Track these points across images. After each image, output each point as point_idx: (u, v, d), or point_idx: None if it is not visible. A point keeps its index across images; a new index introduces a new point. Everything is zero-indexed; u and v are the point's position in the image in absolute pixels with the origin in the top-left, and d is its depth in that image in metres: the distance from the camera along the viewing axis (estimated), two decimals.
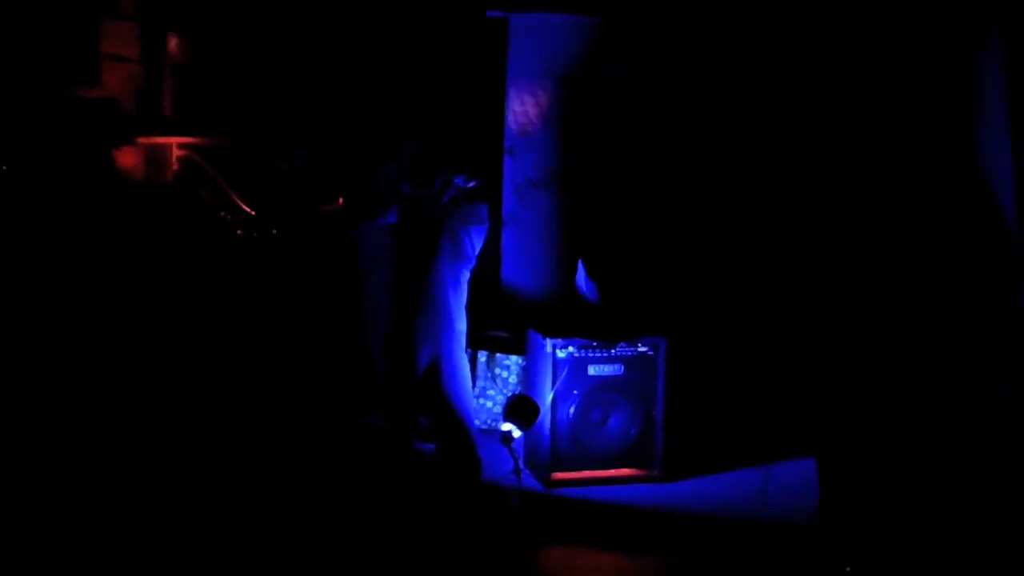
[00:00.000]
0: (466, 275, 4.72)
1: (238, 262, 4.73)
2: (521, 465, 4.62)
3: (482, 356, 5.34)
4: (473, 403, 4.88)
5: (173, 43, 5.12)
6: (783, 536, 4.23)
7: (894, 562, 3.77)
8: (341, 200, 4.70)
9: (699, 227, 5.50)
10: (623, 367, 4.75)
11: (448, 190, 4.65)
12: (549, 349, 4.68)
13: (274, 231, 4.68)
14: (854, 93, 5.36)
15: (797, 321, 5.33)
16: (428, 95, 5.00)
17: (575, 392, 4.71)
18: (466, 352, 4.85)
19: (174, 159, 4.88)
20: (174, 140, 4.88)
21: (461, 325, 4.68)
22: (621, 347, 4.75)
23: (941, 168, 5.16)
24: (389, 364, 4.81)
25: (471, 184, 4.68)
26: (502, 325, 5.40)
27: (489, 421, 5.29)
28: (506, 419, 4.53)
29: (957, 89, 5.23)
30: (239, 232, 4.66)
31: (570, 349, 4.71)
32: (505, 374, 5.30)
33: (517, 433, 4.52)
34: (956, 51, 5.17)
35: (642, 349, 4.76)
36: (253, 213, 4.68)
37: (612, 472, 4.77)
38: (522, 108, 5.57)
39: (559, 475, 4.71)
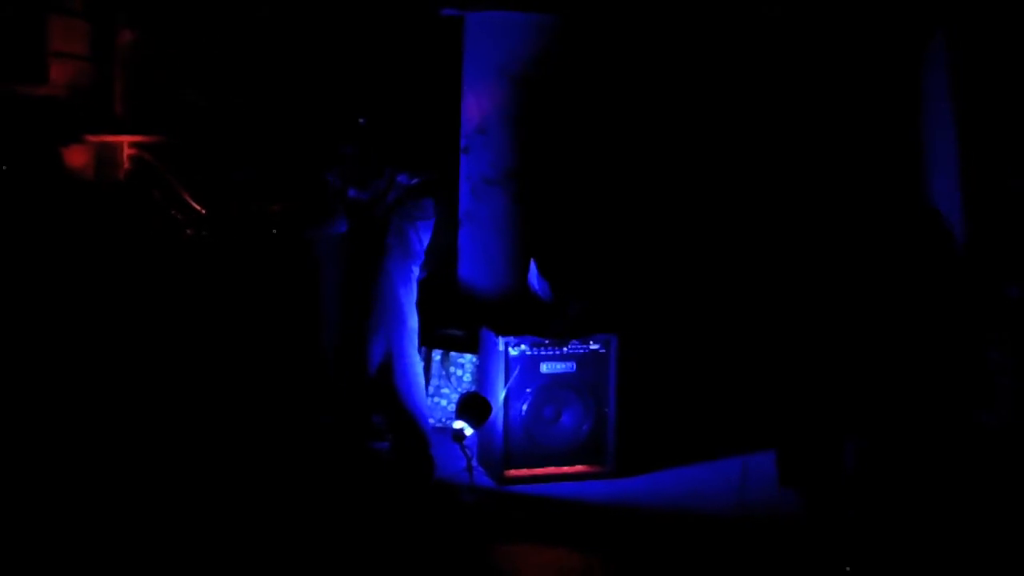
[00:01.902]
0: (415, 271, 4.73)
1: (187, 261, 4.70)
2: (474, 463, 4.64)
3: (436, 355, 5.34)
4: (426, 401, 4.89)
5: (124, 40, 5.07)
6: (733, 531, 4.28)
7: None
8: (278, 207, 4.69)
9: (652, 224, 5.53)
10: (575, 364, 4.77)
11: (392, 189, 4.65)
12: (502, 347, 4.70)
13: (223, 231, 4.66)
14: (803, 93, 5.40)
15: (746, 317, 5.37)
16: (376, 95, 4.98)
17: (528, 390, 4.73)
18: (420, 350, 4.86)
19: (125, 158, 4.84)
20: (125, 139, 4.84)
21: (412, 322, 4.68)
22: (573, 345, 4.78)
23: (886, 167, 5.21)
24: (341, 363, 4.81)
25: (415, 181, 4.68)
26: (457, 323, 5.41)
27: (444, 419, 5.29)
28: (458, 417, 4.54)
29: (903, 89, 5.29)
30: (188, 231, 4.63)
31: (522, 347, 4.72)
32: (459, 372, 5.31)
33: (469, 431, 4.53)
34: (902, 52, 5.23)
35: (594, 347, 4.79)
36: (204, 212, 4.65)
37: (565, 469, 4.79)
38: (478, 106, 5.58)
39: (512, 472, 4.73)
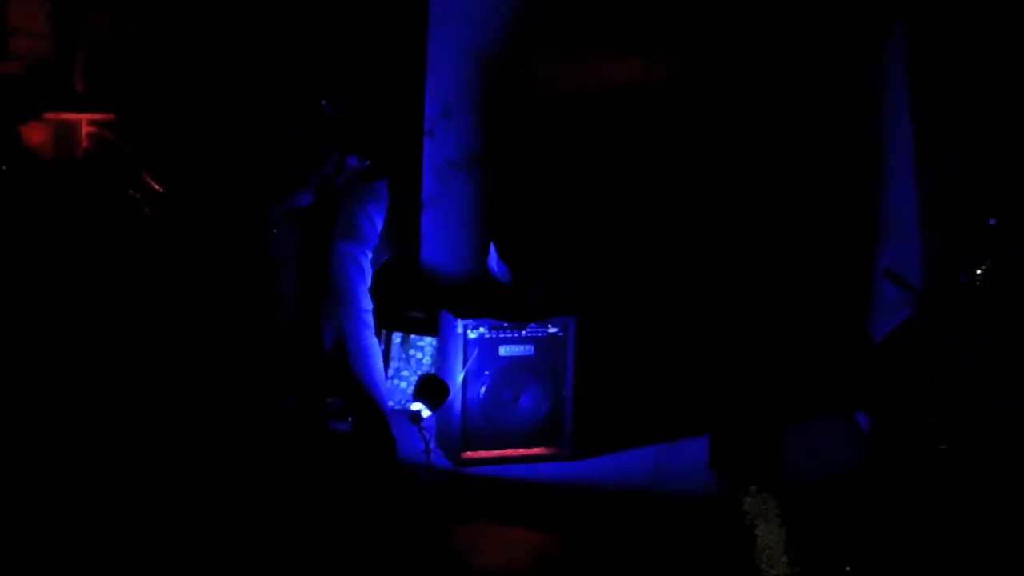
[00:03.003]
0: (367, 254, 4.70)
1: (145, 239, 4.68)
2: (432, 445, 4.66)
3: (396, 337, 5.35)
4: (384, 382, 4.88)
5: (86, 17, 5.04)
6: (683, 511, 4.32)
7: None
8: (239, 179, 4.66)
9: (613, 210, 5.54)
10: (533, 347, 4.80)
11: (342, 173, 4.63)
12: (460, 330, 4.71)
13: (182, 208, 4.65)
14: (764, 85, 5.44)
15: (699, 304, 5.42)
16: (339, 76, 4.97)
17: (486, 372, 4.75)
18: (380, 333, 4.86)
19: (84, 136, 4.81)
20: (84, 117, 4.82)
21: (366, 304, 4.67)
22: (532, 328, 4.80)
23: (844, 160, 5.26)
24: (297, 346, 4.79)
25: (365, 164, 4.66)
26: (419, 306, 5.41)
27: (403, 401, 5.30)
28: (416, 398, 4.56)
29: (862, 81, 5.33)
30: (147, 210, 4.62)
31: (481, 330, 4.74)
32: (419, 355, 5.32)
33: (427, 413, 4.54)
34: (861, 45, 5.27)
35: (552, 330, 4.81)
36: (162, 190, 4.64)
37: (522, 451, 4.82)
38: (441, 89, 5.57)
39: (470, 454, 4.75)
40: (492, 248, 4.95)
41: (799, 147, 5.34)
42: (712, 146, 5.53)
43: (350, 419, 4.89)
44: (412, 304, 5.42)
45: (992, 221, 4.22)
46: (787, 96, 5.41)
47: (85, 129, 4.82)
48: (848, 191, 5.37)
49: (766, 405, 4.67)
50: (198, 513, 4.11)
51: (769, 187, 5.36)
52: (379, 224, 4.74)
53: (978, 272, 4.37)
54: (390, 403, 5.20)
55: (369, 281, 4.72)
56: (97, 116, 4.84)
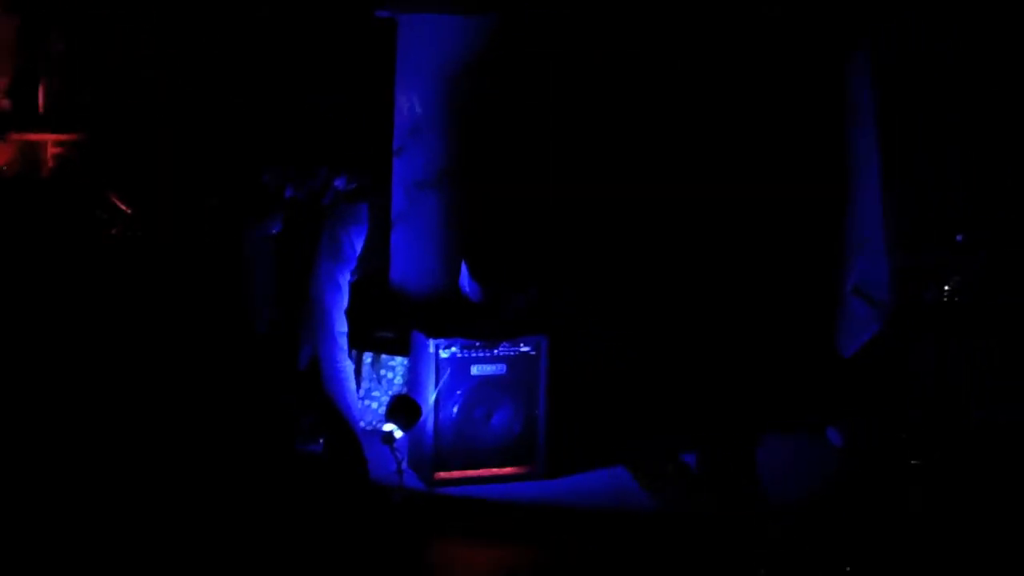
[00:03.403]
0: (346, 276, 4.70)
1: (112, 261, 4.63)
2: (404, 465, 4.62)
3: (367, 357, 5.32)
4: (357, 403, 4.87)
5: (50, 39, 4.99)
6: (657, 529, 4.32)
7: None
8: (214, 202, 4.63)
9: (583, 226, 5.55)
10: (506, 366, 4.79)
11: (328, 192, 4.63)
12: (432, 349, 4.70)
13: (148, 230, 4.60)
14: (733, 95, 5.47)
15: (670, 322, 5.43)
16: (310, 95, 4.95)
17: (458, 391, 4.73)
18: (350, 353, 4.83)
19: (49, 156, 4.76)
20: (50, 137, 4.77)
21: (341, 327, 4.66)
22: (504, 347, 4.79)
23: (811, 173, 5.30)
24: (269, 366, 4.77)
25: (352, 186, 4.66)
26: (389, 326, 5.39)
27: (375, 422, 5.27)
28: (388, 419, 4.53)
29: (828, 96, 5.38)
30: (114, 231, 4.57)
31: (453, 349, 4.73)
32: (390, 375, 5.30)
33: (399, 433, 4.52)
34: (826, 58, 5.32)
35: (524, 348, 4.81)
36: (129, 211, 4.59)
37: (495, 470, 4.81)
38: (410, 108, 5.57)
39: (442, 474, 4.73)
40: (464, 267, 4.95)
41: (768, 160, 5.38)
42: (681, 161, 5.56)
43: (322, 440, 4.85)
44: (382, 323, 5.40)
45: (959, 237, 4.27)
46: (756, 111, 5.45)
47: (50, 150, 4.77)
48: (817, 206, 5.41)
49: (738, 422, 4.69)
50: (168, 534, 4.06)
51: (739, 202, 5.39)
52: (359, 247, 4.75)
53: (946, 288, 4.42)
54: (362, 424, 5.19)
55: (346, 303, 4.71)
56: (62, 137, 4.79)
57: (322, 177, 4.66)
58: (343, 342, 4.70)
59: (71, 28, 4.94)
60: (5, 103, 4.87)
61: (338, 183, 4.67)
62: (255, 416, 4.91)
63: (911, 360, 4.57)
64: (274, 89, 4.94)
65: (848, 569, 3.78)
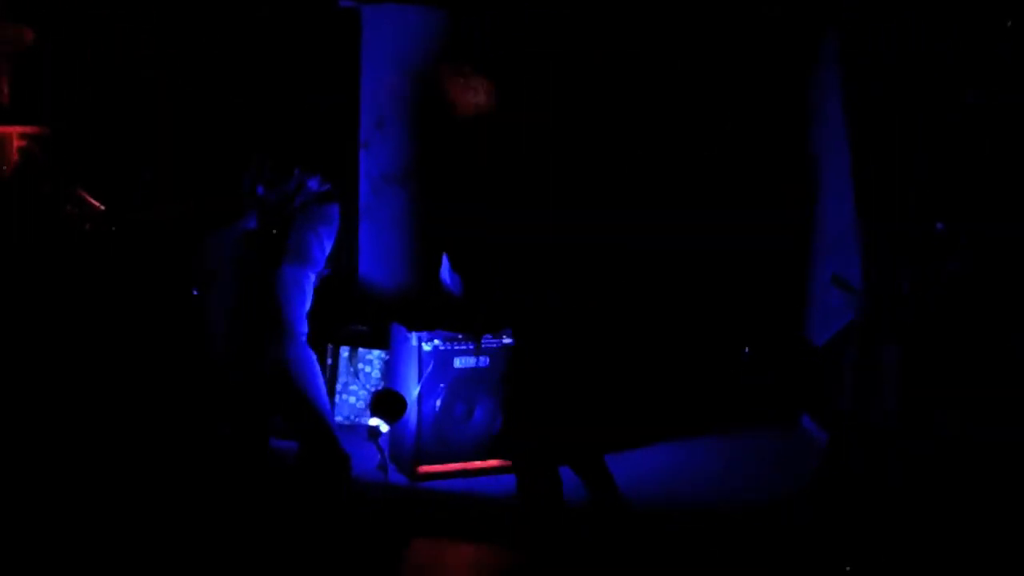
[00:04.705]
0: (311, 278, 4.62)
1: (84, 258, 4.52)
2: (387, 460, 4.60)
3: (344, 352, 5.27)
4: (327, 402, 4.79)
5: (10, 30, 4.85)
6: (644, 523, 4.35)
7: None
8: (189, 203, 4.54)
9: (561, 220, 5.56)
10: (488, 359, 4.78)
11: (300, 193, 4.55)
12: (415, 342, 4.67)
13: (123, 226, 4.50)
14: (697, 93, 5.53)
15: (644, 311, 5.47)
16: (275, 89, 4.89)
17: (441, 385, 4.71)
18: (325, 348, 4.78)
19: (14, 150, 4.62)
20: (14, 130, 4.63)
21: (302, 327, 4.57)
22: (486, 339, 4.78)
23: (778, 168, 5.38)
24: (233, 368, 4.69)
25: (325, 187, 4.59)
26: (360, 319, 5.35)
27: (353, 417, 5.23)
28: (373, 414, 4.50)
29: (794, 86, 5.46)
30: (87, 226, 4.45)
31: (435, 342, 4.70)
32: (368, 368, 5.26)
33: (385, 428, 4.49)
34: (793, 48, 5.39)
35: (507, 341, 4.80)
36: (102, 208, 4.48)
37: (478, 464, 4.79)
38: (376, 101, 5.53)
39: (425, 468, 4.71)
40: (445, 259, 4.92)
41: (737, 156, 5.45)
42: (648, 152, 5.61)
43: (294, 437, 4.79)
44: (355, 317, 5.36)
45: (940, 226, 4.33)
46: (721, 102, 5.51)
47: (15, 143, 4.63)
48: (783, 198, 5.49)
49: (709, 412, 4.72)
50: (150, 542, 3.98)
51: (707, 191, 5.44)
52: (328, 248, 4.68)
53: (920, 280, 4.47)
54: (338, 419, 5.14)
55: (309, 305, 4.64)
56: (28, 129, 4.65)
57: (296, 177, 4.59)
58: (304, 342, 4.61)
59: (42, 19, 4.80)
60: None
61: (312, 184, 4.60)
62: (225, 416, 4.85)
63: (885, 353, 4.62)
64: (245, 85, 4.87)
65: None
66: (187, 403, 4.74)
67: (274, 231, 4.56)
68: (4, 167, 4.62)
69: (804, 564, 3.93)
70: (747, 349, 5.38)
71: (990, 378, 4.22)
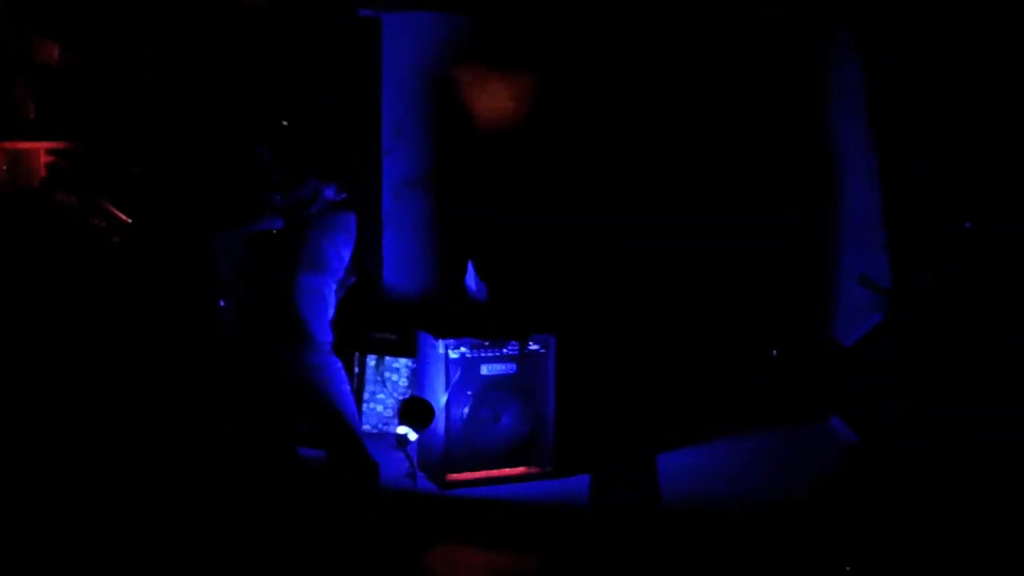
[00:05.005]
0: (332, 287, 4.59)
1: (111, 269, 4.54)
2: (416, 468, 4.61)
3: (371, 360, 5.28)
4: (355, 410, 4.79)
5: (36, 46, 4.88)
6: (671, 529, 4.34)
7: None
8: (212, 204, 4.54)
9: (584, 223, 5.57)
10: (515, 365, 4.78)
11: (316, 202, 4.53)
12: (441, 350, 4.67)
13: (148, 236, 4.52)
14: (722, 87, 5.51)
15: (673, 311, 5.46)
16: (296, 96, 4.89)
17: (468, 392, 4.71)
18: (351, 356, 4.78)
19: (42, 165, 4.65)
20: (41, 145, 4.66)
21: (325, 336, 4.56)
22: (512, 345, 4.78)
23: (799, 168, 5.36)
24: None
25: (342, 196, 4.57)
26: (387, 327, 5.36)
27: (380, 425, 5.24)
28: (401, 422, 4.50)
29: (813, 83, 5.43)
30: (114, 239, 4.48)
31: (462, 349, 4.70)
32: (395, 377, 5.26)
33: (413, 436, 4.49)
34: (812, 43, 5.36)
35: (533, 347, 4.80)
36: (128, 220, 4.50)
37: (505, 471, 4.79)
38: (396, 108, 5.56)
39: (454, 476, 4.71)
40: (470, 265, 4.93)
41: (758, 153, 5.43)
42: (670, 151, 5.60)
43: (322, 444, 4.80)
44: (381, 326, 5.37)
45: (968, 225, 4.31)
46: (739, 100, 5.49)
47: (43, 158, 4.66)
48: (807, 196, 5.47)
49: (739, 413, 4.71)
50: (176, 543, 4.00)
51: (729, 190, 5.43)
52: (346, 257, 4.64)
53: (944, 278, 4.46)
54: (365, 427, 5.15)
55: (332, 313, 4.63)
56: (55, 144, 4.69)
57: (311, 186, 4.57)
58: (329, 350, 4.61)
59: (68, 33, 4.83)
60: None
61: (328, 192, 4.58)
62: (251, 425, 4.86)
63: (912, 352, 4.60)
64: (266, 92, 4.88)
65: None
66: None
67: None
68: (32, 181, 4.66)
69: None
70: (775, 351, 5.36)
71: (996, 377, 4.21)
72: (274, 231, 4.53)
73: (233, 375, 4.67)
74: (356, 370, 5.22)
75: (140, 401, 4.59)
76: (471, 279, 4.92)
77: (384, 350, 5.25)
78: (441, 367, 4.66)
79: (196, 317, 4.82)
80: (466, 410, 4.70)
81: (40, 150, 4.66)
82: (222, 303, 4.76)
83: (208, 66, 4.87)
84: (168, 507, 4.25)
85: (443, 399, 4.64)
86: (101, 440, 4.48)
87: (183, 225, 4.62)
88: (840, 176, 5.46)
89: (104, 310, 4.61)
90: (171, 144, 4.69)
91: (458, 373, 4.67)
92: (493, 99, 5.59)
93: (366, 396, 5.24)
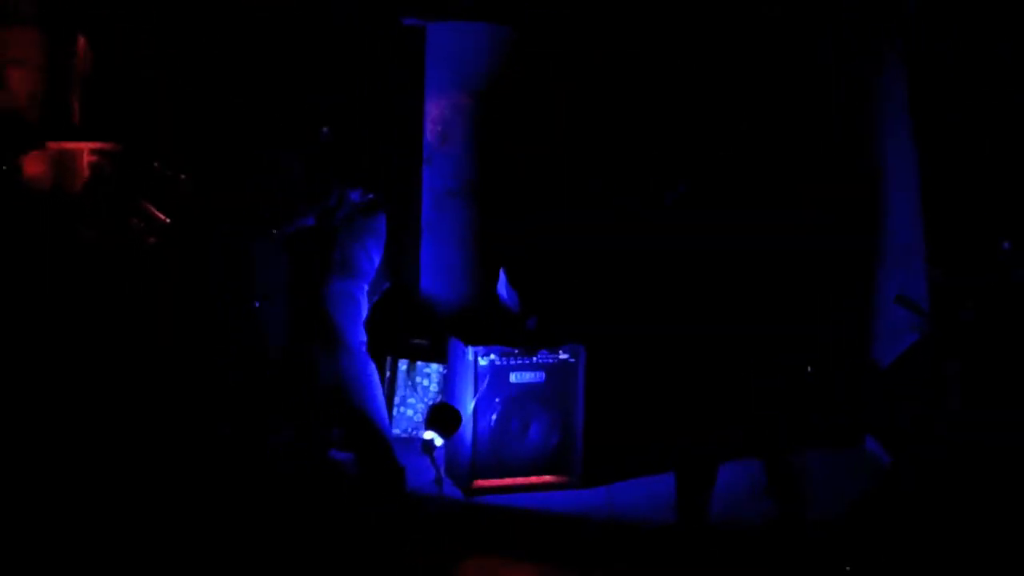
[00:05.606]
0: (364, 289, 4.62)
1: (149, 269, 4.61)
2: (442, 474, 4.61)
3: (402, 364, 5.31)
4: (385, 414, 4.81)
5: (80, 48, 4.98)
6: (695, 540, 4.29)
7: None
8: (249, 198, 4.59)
9: (614, 233, 5.55)
10: (544, 374, 4.77)
11: (343, 207, 4.57)
12: (471, 357, 4.67)
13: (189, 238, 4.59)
14: (762, 97, 5.46)
15: (705, 327, 5.40)
16: (338, 104, 4.93)
17: (496, 400, 4.71)
18: (384, 360, 4.80)
19: (85, 165, 4.74)
20: (85, 146, 4.74)
21: (362, 337, 4.59)
22: (542, 354, 4.77)
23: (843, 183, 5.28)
24: (290, 381, 4.73)
25: (368, 197, 4.60)
26: (422, 333, 5.38)
27: (410, 430, 5.25)
28: (428, 427, 4.51)
29: (858, 97, 5.37)
30: (151, 239, 4.55)
31: (492, 357, 4.71)
32: (426, 382, 5.28)
33: (439, 441, 4.50)
34: (859, 58, 5.30)
35: (563, 356, 4.78)
36: (167, 220, 4.57)
37: (532, 479, 4.78)
38: (439, 117, 5.58)
39: (480, 483, 4.71)
40: (502, 274, 4.93)
41: (795, 163, 5.36)
42: (707, 162, 5.55)
43: (352, 448, 4.83)
44: (415, 331, 5.39)
45: (1006, 245, 4.23)
46: (783, 112, 5.43)
47: (86, 158, 4.74)
48: (848, 215, 5.39)
49: (777, 432, 4.65)
50: (197, 543, 4.03)
51: (768, 205, 5.37)
52: (376, 259, 4.67)
53: (986, 300, 4.37)
54: (396, 431, 5.17)
55: (365, 314, 4.66)
56: (98, 145, 4.76)
57: (335, 193, 4.60)
58: (364, 352, 4.64)
59: (97, 37, 4.92)
60: (36, 114, 4.86)
61: (353, 196, 4.61)
62: (281, 428, 4.91)
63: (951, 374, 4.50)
64: (308, 99, 4.93)
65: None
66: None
67: (315, 245, 4.57)
68: (76, 182, 4.74)
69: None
70: (810, 368, 5.28)
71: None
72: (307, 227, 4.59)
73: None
74: (388, 374, 5.25)
75: (143, 401, 4.64)
76: (503, 287, 4.92)
77: (417, 355, 5.27)
78: (470, 374, 4.66)
79: (221, 318, 4.88)
80: (494, 417, 4.70)
81: (84, 150, 4.73)
82: (256, 304, 4.82)
83: (247, 74, 4.96)
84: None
85: (471, 406, 4.65)
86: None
87: (215, 226, 4.68)
88: (885, 191, 5.38)
89: (127, 310, 4.66)
90: (207, 147, 4.77)
91: (487, 380, 4.66)
92: (533, 109, 5.60)
93: (397, 400, 5.26)
